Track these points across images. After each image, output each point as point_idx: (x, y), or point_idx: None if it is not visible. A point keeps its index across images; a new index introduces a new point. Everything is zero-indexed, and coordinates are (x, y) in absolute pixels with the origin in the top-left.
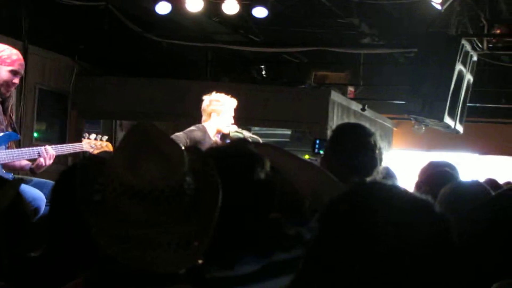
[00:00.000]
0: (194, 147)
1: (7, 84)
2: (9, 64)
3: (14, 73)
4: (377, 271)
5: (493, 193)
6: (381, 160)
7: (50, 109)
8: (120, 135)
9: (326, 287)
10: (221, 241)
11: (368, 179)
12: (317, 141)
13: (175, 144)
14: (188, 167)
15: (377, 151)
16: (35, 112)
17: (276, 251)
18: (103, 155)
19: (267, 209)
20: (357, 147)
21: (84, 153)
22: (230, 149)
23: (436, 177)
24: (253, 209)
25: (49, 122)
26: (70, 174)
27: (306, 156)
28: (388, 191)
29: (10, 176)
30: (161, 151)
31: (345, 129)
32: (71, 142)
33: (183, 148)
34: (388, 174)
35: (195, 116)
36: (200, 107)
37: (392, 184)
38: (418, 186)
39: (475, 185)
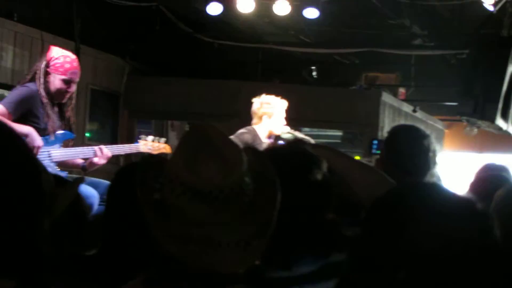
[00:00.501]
0: (252, 148)
1: (60, 92)
2: (62, 73)
3: (66, 82)
4: (419, 269)
5: None
6: (434, 163)
7: (101, 109)
8: (171, 135)
9: (370, 286)
10: (279, 242)
11: None
12: (374, 142)
13: (233, 145)
14: (246, 168)
15: (431, 154)
16: (87, 112)
17: (333, 251)
18: (161, 155)
19: (324, 209)
20: (412, 150)
21: (142, 154)
22: (287, 150)
23: (491, 180)
24: (311, 210)
25: (100, 122)
26: (127, 174)
27: (358, 158)
28: (429, 190)
29: (64, 174)
30: (220, 151)
31: (400, 131)
32: (122, 142)
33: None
34: None
35: (246, 117)
36: (251, 108)
37: (434, 183)
38: (472, 188)
39: None
